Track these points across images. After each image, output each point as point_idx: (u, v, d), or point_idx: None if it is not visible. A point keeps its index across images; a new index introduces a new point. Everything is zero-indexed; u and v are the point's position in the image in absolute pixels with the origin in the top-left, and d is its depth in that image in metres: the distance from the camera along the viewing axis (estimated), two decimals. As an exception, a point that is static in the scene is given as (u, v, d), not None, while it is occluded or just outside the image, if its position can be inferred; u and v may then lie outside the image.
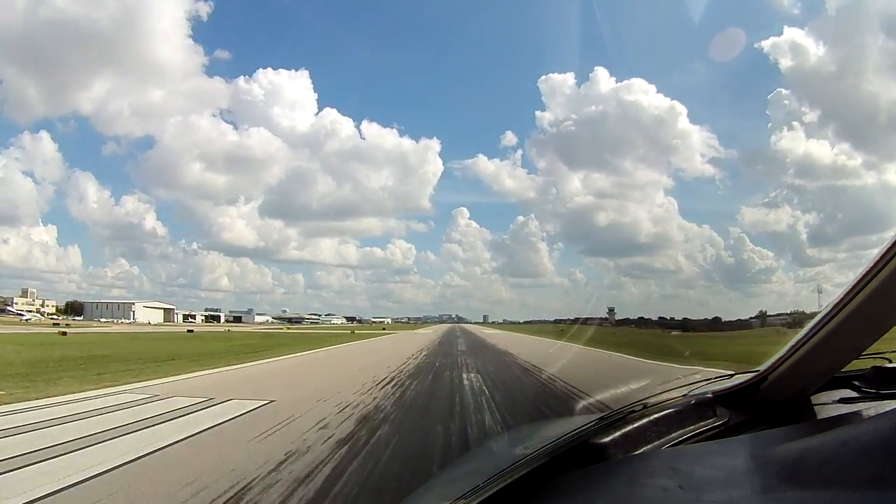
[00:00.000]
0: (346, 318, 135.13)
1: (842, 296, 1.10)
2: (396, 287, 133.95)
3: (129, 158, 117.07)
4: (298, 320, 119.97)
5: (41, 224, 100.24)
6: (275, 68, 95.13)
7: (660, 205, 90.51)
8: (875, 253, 1.03)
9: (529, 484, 1.04)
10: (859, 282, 1.06)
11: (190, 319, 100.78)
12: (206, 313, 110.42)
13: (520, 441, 1.96)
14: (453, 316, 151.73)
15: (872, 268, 1.02)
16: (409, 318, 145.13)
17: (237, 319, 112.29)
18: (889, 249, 0.98)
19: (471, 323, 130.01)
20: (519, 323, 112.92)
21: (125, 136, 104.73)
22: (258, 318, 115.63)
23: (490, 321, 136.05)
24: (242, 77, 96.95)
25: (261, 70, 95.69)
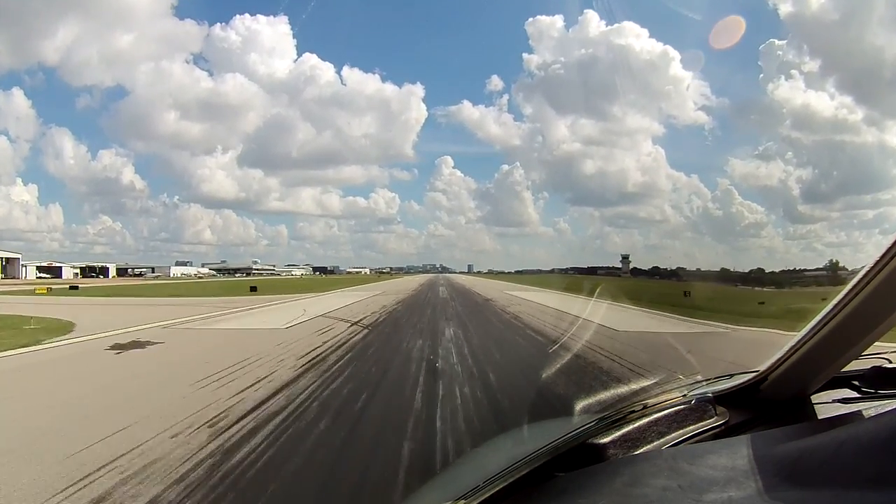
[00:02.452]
0: (314, 268, 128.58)
1: (842, 296, 1.10)
2: (380, 237, 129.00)
3: (102, 111, 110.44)
4: (246, 271, 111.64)
5: (21, 183, 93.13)
6: (252, 14, 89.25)
7: (648, 153, 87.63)
8: (875, 253, 1.03)
9: (529, 484, 1.04)
10: (859, 282, 1.06)
11: (42, 275, 74.89)
12: (84, 265, 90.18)
13: (520, 441, 1.96)
14: (437, 266, 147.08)
15: (872, 268, 1.02)
16: (391, 269, 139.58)
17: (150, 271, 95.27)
18: (889, 249, 0.98)
19: (456, 273, 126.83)
20: (509, 273, 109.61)
21: (96, 86, 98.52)
22: (183, 270, 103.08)
23: (475, 271, 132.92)
24: (218, 24, 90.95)
25: (237, 16, 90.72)
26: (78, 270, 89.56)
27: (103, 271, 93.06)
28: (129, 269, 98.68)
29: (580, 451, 1.14)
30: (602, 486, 1.00)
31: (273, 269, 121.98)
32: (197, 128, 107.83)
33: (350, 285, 44.60)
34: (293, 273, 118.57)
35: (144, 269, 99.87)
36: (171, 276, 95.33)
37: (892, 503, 0.73)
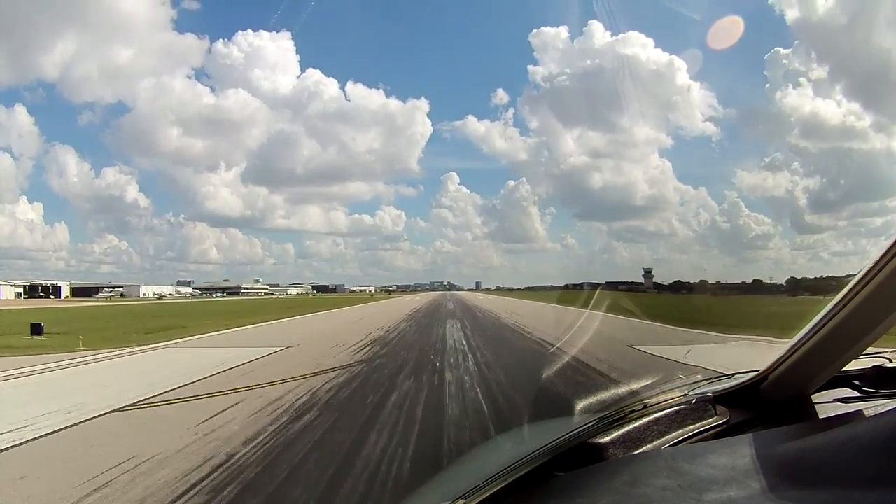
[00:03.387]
0: (314, 286, 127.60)
1: (842, 296, 1.10)
2: (387, 254, 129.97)
3: (104, 127, 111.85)
4: (235, 291, 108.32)
5: (27, 202, 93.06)
6: (254, 29, 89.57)
7: (655, 166, 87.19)
8: (875, 253, 1.03)
9: (529, 483, 1.04)
10: (859, 282, 1.06)
11: None
12: (29, 283, 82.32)
13: (520, 441, 1.97)
14: (444, 283, 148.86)
15: (872, 268, 1.02)
16: (396, 286, 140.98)
17: (93, 292, 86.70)
18: (889, 249, 0.98)
19: (464, 290, 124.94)
20: (518, 289, 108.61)
21: (97, 102, 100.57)
22: (156, 290, 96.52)
23: (483, 288, 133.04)
24: (221, 40, 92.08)
25: (240, 32, 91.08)
26: (22, 290, 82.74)
27: (55, 291, 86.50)
28: (103, 289, 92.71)
29: (580, 451, 1.14)
30: (602, 485, 1.00)
31: (267, 288, 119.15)
32: (200, 144, 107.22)
33: (308, 312, 31.81)
34: (288, 292, 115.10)
35: (112, 290, 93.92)
36: (142, 295, 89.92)
37: (892, 503, 0.73)
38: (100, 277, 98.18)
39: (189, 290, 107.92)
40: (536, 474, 1.06)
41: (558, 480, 1.08)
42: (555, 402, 5.20)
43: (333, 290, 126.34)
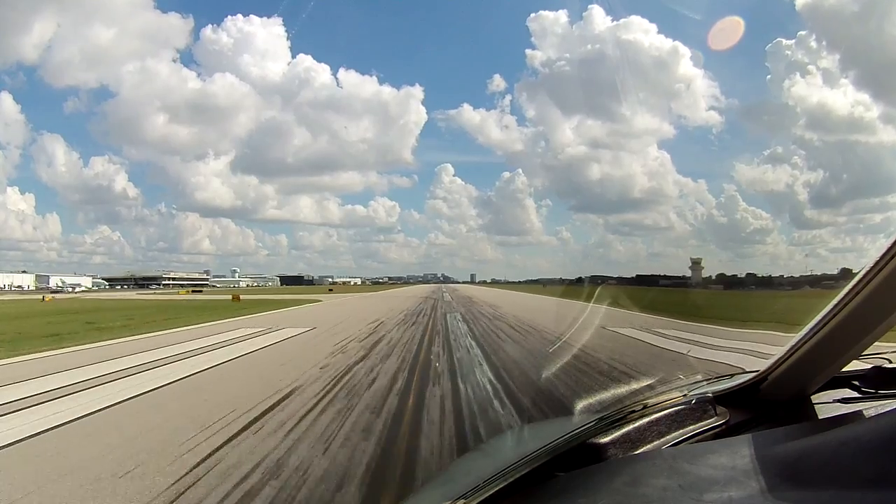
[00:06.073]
0: (281, 278, 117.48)
1: (842, 296, 1.10)
2: (381, 246, 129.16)
3: (90, 115, 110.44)
4: (157, 283, 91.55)
5: (18, 192, 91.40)
6: (244, 14, 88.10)
7: (654, 158, 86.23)
8: (875, 253, 1.03)
9: (529, 484, 1.04)
10: (859, 282, 1.06)
11: None
12: None
13: (520, 441, 1.97)
14: (439, 275, 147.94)
15: (872, 268, 1.02)
16: (388, 278, 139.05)
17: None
18: (889, 250, 0.98)
19: (459, 283, 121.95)
20: (518, 283, 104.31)
21: (80, 87, 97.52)
22: (7, 279, 78.01)
23: (477, 280, 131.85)
24: (210, 25, 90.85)
25: (229, 17, 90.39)
26: None
27: None
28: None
29: (580, 451, 1.14)
30: (602, 485, 1.00)
31: (208, 280, 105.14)
32: (187, 132, 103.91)
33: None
34: (240, 284, 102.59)
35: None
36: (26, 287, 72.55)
37: (892, 503, 0.73)
38: (92, 268, 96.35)
39: (82, 281, 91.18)
40: (536, 474, 1.06)
41: (558, 480, 1.08)
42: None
43: (310, 282, 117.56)
